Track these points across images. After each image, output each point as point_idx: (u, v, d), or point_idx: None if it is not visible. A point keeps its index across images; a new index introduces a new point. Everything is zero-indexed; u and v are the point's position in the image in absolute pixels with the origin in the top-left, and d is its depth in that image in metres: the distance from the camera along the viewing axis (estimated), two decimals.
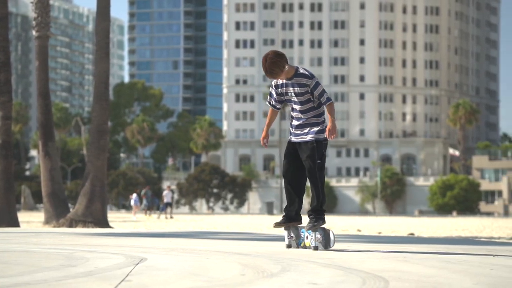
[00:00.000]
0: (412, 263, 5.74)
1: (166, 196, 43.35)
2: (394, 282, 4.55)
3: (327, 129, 6.94)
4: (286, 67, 6.86)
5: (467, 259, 6.23)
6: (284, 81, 6.97)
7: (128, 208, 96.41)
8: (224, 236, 11.33)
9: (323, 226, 6.99)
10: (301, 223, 7.24)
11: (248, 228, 23.22)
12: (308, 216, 7.07)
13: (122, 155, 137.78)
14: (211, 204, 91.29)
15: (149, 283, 4.35)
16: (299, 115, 7.00)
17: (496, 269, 5.43)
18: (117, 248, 7.19)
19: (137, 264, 5.36)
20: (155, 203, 48.60)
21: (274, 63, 6.82)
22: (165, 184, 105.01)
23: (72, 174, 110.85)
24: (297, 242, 7.18)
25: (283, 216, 7.25)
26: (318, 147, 6.99)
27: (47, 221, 19.39)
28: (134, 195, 45.40)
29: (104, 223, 18.79)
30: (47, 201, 19.52)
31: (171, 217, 42.19)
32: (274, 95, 7.09)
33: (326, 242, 6.90)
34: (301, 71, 6.92)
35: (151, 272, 4.90)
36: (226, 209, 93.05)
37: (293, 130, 7.04)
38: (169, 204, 43.38)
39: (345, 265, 5.51)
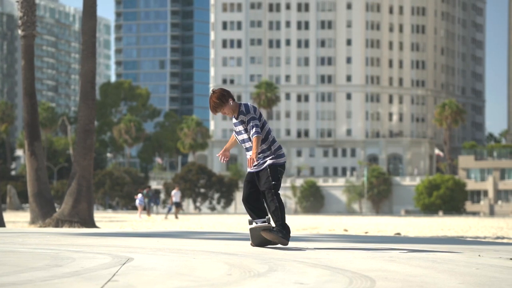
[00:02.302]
0: (398, 263, 5.75)
1: (175, 195, 42.79)
2: (381, 281, 4.56)
3: (250, 162, 7.26)
4: (231, 102, 7.27)
5: (453, 259, 6.25)
6: (234, 120, 7.44)
7: (114, 208, 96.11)
8: (211, 236, 11.32)
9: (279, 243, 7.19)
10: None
11: (235, 228, 23.21)
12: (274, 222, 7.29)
13: (108, 154, 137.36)
14: (198, 204, 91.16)
15: (135, 283, 4.34)
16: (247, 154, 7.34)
17: (482, 269, 5.45)
18: (104, 248, 7.17)
19: (123, 264, 5.35)
20: (156, 204, 48.15)
21: (216, 102, 7.28)
22: (152, 184, 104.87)
23: (58, 173, 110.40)
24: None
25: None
26: (273, 171, 7.30)
27: (33, 221, 19.30)
28: (139, 196, 44.86)
29: (91, 223, 18.73)
30: (33, 201, 19.44)
31: (176, 217, 41.57)
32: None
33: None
34: (242, 108, 7.33)
35: (138, 272, 4.89)
36: (213, 209, 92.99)
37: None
38: (177, 204, 42.78)
39: (332, 264, 5.52)
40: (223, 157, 7.45)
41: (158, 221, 35.61)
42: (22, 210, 62.40)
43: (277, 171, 7.29)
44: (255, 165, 7.34)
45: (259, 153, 7.28)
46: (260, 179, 7.29)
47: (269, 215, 7.35)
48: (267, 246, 7.36)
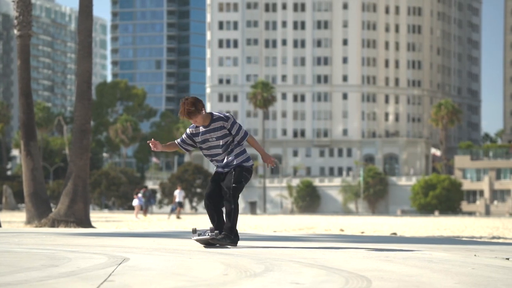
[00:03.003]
0: (394, 263, 5.76)
1: (178, 195, 42.53)
2: (377, 281, 4.56)
3: (269, 160, 7.35)
4: (203, 111, 7.24)
5: (449, 259, 6.26)
6: (202, 130, 7.32)
7: (111, 208, 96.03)
8: None
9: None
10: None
11: None
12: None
13: (104, 154, 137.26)
14: (194, 204, 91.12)
15: (131, 283, 4.34)
16: (222, 156, 7.37)
17: (478, 269, 5.46)
18: (100, 248, 7.16)
19: (119, 264, 5.35)
20: (151, 204, 47.97)
21: (191, 109, 7.17)
22: (148, 184, 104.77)
23: (54, 173, 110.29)
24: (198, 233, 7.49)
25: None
26: (238, 173, 7.36)
27: (29, 221, 19.28)
28: (139, 195, 44.64)
29: (87, 223, 18.71)
30: (29, 201, 19.41)
31: (178, 217, 41.33)
32: (185, 139, 7.42)
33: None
34: (216, 115, 7.32)
35: (134, 272, 4.89)
36: None
37: (219, 164, 7.41)
38: (180, 204, 42.52)
39: (328, 264, 5.52)
40: (153, 145, 7.34)
41: (154, 221, 35.59)
42: (18, 210, 62.32)
43: (241, 175, 7.34)
44: (251, 164, 7.39)
45: (232, 155, 7.34)
46: (225, 179, 7.37)
47: (212, 225, 7.41)
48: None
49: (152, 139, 7.38)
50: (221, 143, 7.31)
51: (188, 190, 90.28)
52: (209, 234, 7.34)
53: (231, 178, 7.32)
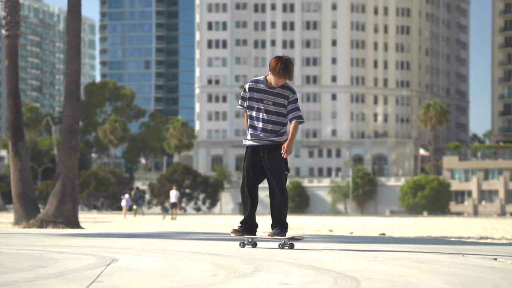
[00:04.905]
0: (383, 263, 5.77)
1: (173, 196, 42.31)
2: (365, 281, 4.57)
3: (283, 146, 6.88)
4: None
5: (437, 259, 6.28)
6: (262, 87, 6.91)
7: (99, 209, 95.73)
8: (196, 236, 11.31)
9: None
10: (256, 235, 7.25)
11: (220, 228, 23.20)
12: (274, 227, 7.05)
13: (93, 155, 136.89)
14: (183, 205, 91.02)
15: (120, 283, 4.33)
16: (268, 124, 6.92)
17: (466, 269, 5.48)
18: (88, 248, 7.15)
19: (108, 265, 5.34)
20: (139, 205, 47.88)
21: (291, 65, 6.83)
22: (137, 184, 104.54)
23: (43, 174, 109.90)
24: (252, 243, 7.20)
25: (243, 225, 7.18)
26: (285, 158, 6.95)
27: (17, 222, 19.20)
28: (126, 196, 44.52)
29: (75, 224, 18.66)
30: (17, 201, 19.34)
31: (174, 218, 41.10)
32: (246, 96, 6.99)
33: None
34: (287, 84, 6.93)
35: (123, 272, 4.88)
36: (198, 209, 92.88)
37: (257, 132, 6.91)
38: (173, 204, 42.33)
39: (317, 265, 5.53)
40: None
41: (143, 221, 35.52)
42: (6, 211, 62.05)
43: (286, 161, 6.96)
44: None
45: (272, 128, 6.86)
46: (271, 159, 6.87)
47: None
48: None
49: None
50: (274, 110, 6.86)
51: (177, 191, 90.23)
52: (276, 231, 6.93)
53: (280, 163, 6.83)
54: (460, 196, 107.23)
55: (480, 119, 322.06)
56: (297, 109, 6.92)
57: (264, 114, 6.92)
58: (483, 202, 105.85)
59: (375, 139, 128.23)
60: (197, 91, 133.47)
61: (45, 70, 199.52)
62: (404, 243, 9.05)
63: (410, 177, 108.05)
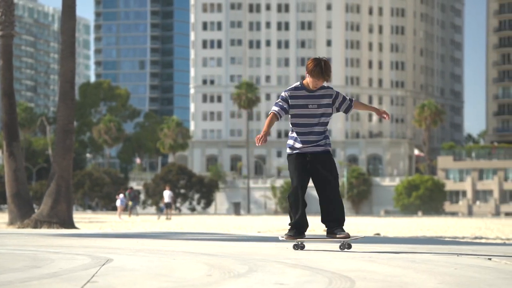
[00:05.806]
0: (378, 263, 5.78)
1: (166, 196, 42.21)
2: (360, 282, 4.58)
3: (382, 112, 6.95)
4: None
5: (432, 259, 6.29)
6: (304, 93, 6.83)
7: (94, 209, 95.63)
8: (191, 236, 11.30)
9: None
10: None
11: (215, 228, 23.19)
12: (331, 227, 7.01)
13: (88, 155, 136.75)
14: (178, 205, 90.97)
15: (115, 284, 4.33)
16: (314, 128, 6.83)
17: (460, 269, 5.49)
18: (83, 249, 7.14)
19: (103, 265, 5.33)
20: (134, 205, 47.83)
21: (329, 66, 6.88)
22: (131, 184, 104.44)
23: (37, 174, 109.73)
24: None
25: (294, 228, 7.07)
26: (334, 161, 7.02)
27: (11, 222, 19.17)
28: (121, 196, 44.41)
29: (70, 224, 18.63)
30: (11, 201, 19.30)
31: (169, 218, 40.82)
32: (283, 104, 6.83)
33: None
34: (326, 84, 6.96)
35: (117, 273, 4.87)
36: (193, 209, 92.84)
37: (305, 139, 6.82)
38: (167, 204, 42.24)
39: (312, 265, 5.53)
40: (262, 141, 6.69)
41: (138, 221, 35.48)
42: (0, 211, 61.97)
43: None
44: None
45: (323, 130, 6.83)
46: (325, 163, 6.82)
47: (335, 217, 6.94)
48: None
49: (261, 138, 6.67)
50: (320, 112, 6.78)
51: (172, 191, 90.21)
52: (339, 232, 6.88)
53: (331, 166, 6.81)
54: (455, 196, 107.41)
55: (475, 119, 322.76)
56: (344, 97, 6.93)
57: (310, 119, 6.86)
58: (478, 202, 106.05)
59: (369, 139, 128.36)
60: (192, 91, 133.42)
61: (39, 70, 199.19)
62: (398, 243, 9.06)
63: (405, 177, 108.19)
